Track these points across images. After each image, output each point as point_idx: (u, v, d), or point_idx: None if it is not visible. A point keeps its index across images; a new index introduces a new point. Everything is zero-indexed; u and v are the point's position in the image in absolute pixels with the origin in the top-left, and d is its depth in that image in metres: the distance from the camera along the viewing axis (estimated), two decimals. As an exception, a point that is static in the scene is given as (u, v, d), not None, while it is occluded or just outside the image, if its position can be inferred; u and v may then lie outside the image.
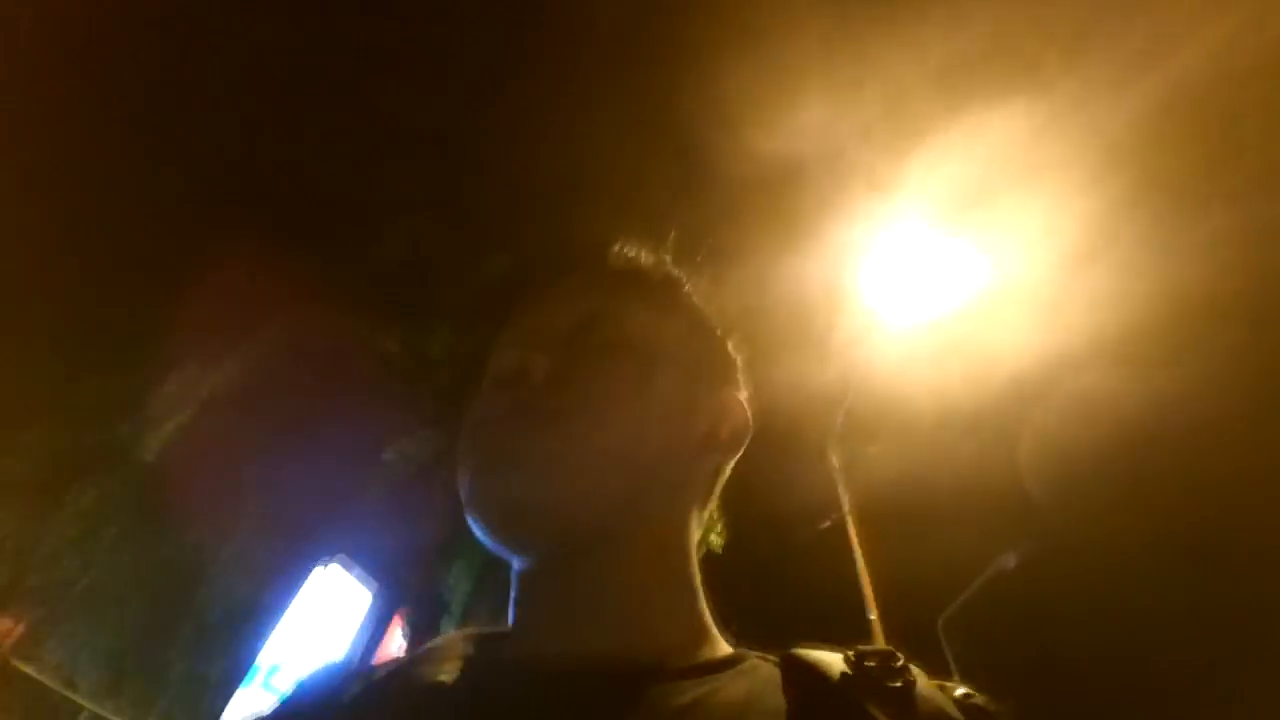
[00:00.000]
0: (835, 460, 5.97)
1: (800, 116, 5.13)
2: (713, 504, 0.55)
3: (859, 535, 5.28)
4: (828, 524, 5.75)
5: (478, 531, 0.45)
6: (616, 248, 0.57)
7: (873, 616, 4.72)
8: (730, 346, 0.58)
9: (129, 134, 5.47)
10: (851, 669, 0.41)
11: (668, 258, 0.58)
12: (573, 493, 0.42)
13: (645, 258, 0.57)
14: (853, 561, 5.02)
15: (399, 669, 0.46)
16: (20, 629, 3.08)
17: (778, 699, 0.40)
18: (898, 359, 5.36)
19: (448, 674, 0.43)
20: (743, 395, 0.57)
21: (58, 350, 4.89)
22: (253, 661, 4.87)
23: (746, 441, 0.55)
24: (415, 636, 6.35)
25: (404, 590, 6.47)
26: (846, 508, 5.66)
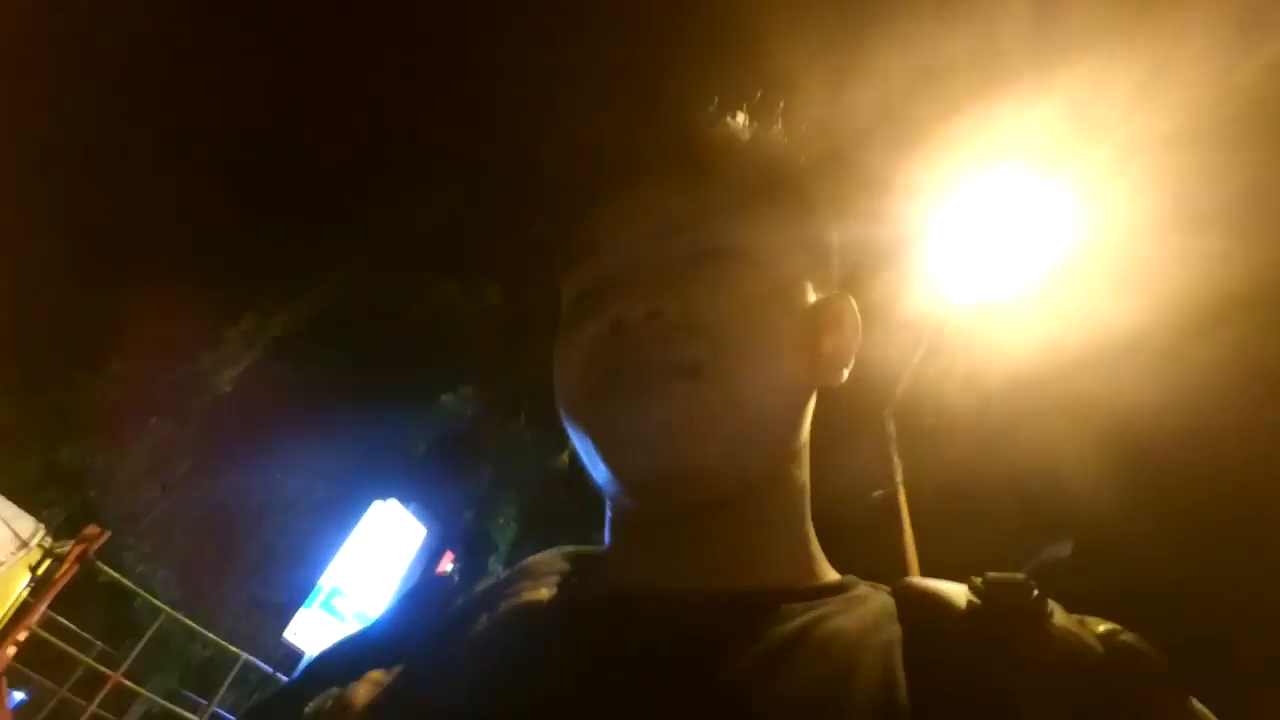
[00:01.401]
0: (892, 430, 5.75)
1: (869, 71, 4.74)
2: None
3: (910, 510, 5.10)
4: (879, 494, 5.59)
5: (615, 492, 0.43)
6: (703, 123, 0.48)
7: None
8: (837, 229, 0.52)
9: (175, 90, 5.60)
10: (980, 599, 0.36)
11: (759, 124, 0.49)
12: (725, 453, 0.40)
13: (738, 131, 0.49)
14: (900, 536, 4.87)
15: (500, 584, 0.45)
16: (105, 535, 3.42)
17: (893, 628, 0.36)
18: (967, 327, 5.03)
19: (547, 590, 0.42)
20: (849, 296, 0.50)
21: (141, 291, 5.20)
22: (314, 585, 5.22)
23: (857, 350, 0.51)
24: (465, 572, 6.66)
25: (455, 529, 6.75)
26: (899, 478, 5.47)
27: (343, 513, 5.91)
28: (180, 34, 5.72)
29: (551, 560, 0.47)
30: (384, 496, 6.23)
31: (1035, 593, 0.36)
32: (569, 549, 0.50)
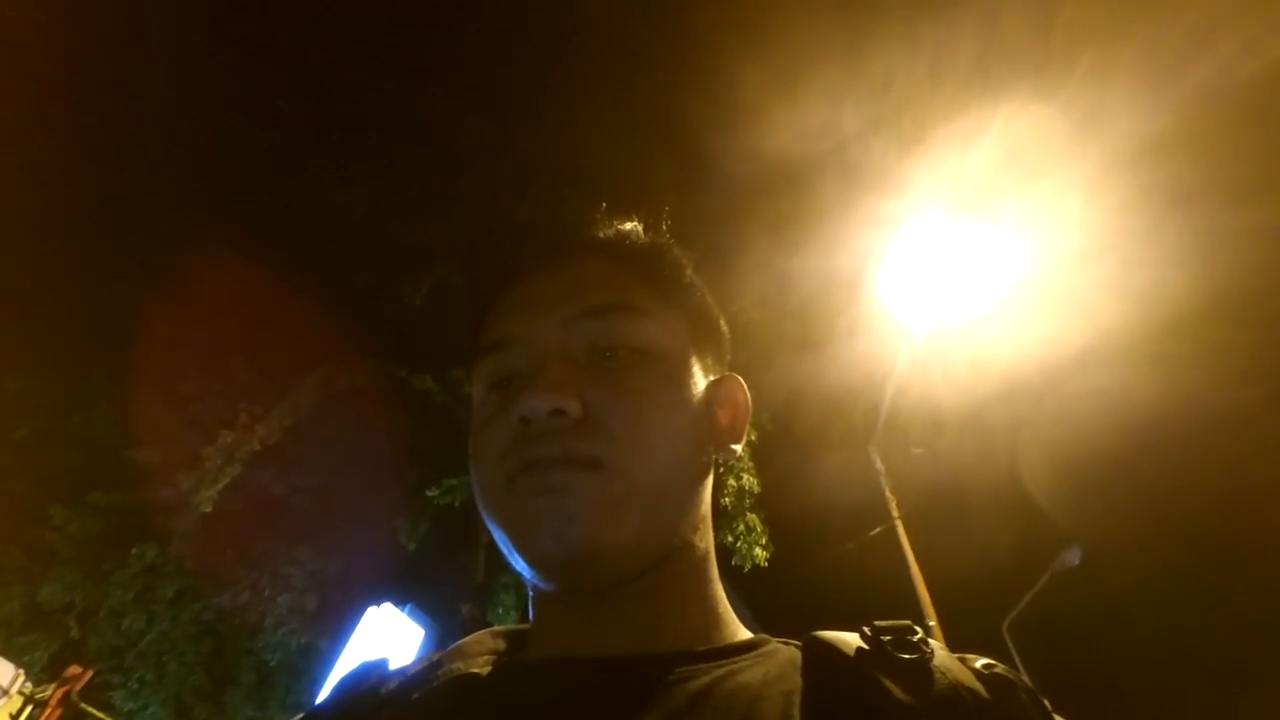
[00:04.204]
0: (880, 464, 5.82)
1: (818, 112, 5.12)
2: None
3: (910, 537, 5.12)
4: (878, 531, 5.60)
5: (533, 577, 0.46)
6: (606, 221, 0.54)
7: (932, 623, 4.56)
8: (723, 322, 0.58)
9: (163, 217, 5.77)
10: (867, 644, 0.41)
11: (661, 230, 0.56)
12: (629, 536, 0.43)
13: (639, 233, 0.55)
14: (905, 567, 4.87)
15: (432, 665, 0.48)
16: (88, 675, 3.22)
17: (795, 679, 0.40)
18: (929, 357, 5.25)
19: (477, 668, 0.46)
20: (738, 377, 0.56)
21: (113, 418, 5.14)
22: (314, 703, 4.94)
23: (748, 424, 0.56)
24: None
25: (454, 626, 6.49)
26: (896, 513, 5.50)
27: (336, 624, 5.67)
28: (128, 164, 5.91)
29: (481, 640, 0.51)
30: (377, 602, 6.00)
31: (917, 635, 0.40)
32: (498, 629, 0.53)
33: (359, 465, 6.27)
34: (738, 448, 0.54)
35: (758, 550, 5.33)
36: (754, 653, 0.44)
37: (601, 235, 0.54)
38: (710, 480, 0.52)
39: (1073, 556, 5.75)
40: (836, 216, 5.23)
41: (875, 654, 0.40)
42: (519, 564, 0.46)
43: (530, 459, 0.44)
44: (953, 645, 0.40)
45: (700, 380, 0.51)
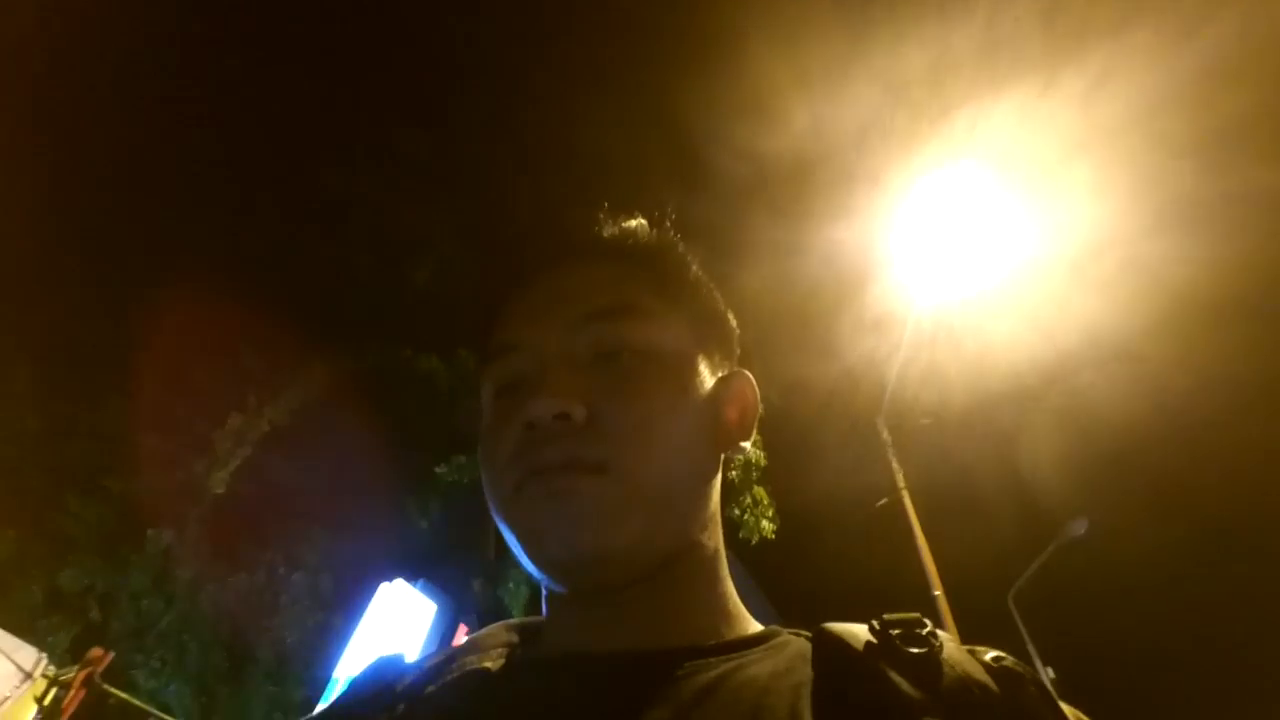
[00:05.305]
0: (887, 436, 5.82)
1: (839, 86, 5.03)
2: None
3: (916, 511, 5.14)
4: (884, 502, 5.63)
5: (544, 580, 0.47)
6: (609, 221, 0.54)
7: (938, 593, 4.60)
8: (731, 317, 0.57)
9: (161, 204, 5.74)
10: (876, 637, 0.41)
11: (665, 225, 0.55)
12: (636, 539, 0.44)
13: (642, 232, 0.54)
14: (912, 539, 4.90)
15: (446, 658, 0.49)
16: (110, 657, 3.29)
17: (805, 672, 0.41)
18: (937, 329, 5.22)
19: (491, 662, 0.47)
20: (746, 373, 0.56)
21: (126, 407, 5.20)
22: (330, 678, 5.07)
23: (757, 420, 0.56)
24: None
25: (466, 601, 6.62)
26: (902, 484, 5.53)
27: (351, 601, 5.79)
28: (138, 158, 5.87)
29: (495, 633, 0.51)
30: (389, 578, 6.11)
31: (926, 629, 0.40)
32: (512, 622, 0.53)
33: (368, 446, 6.34)
34: (747, 444, 0.54)
35: (764, 523, 5.38)
36: (763, 646, 0.44)
37: (605, 236, 0.54)
38: (719, 479, 0.52)
39: (1078, 527, 5.78)
40: (847, 191, 5.17)
41: (884, 647, 0.39)
42: (530, 567, 0.46)
43: (536, 464, 0.44)
44: (958, 615, 0.39)
45: (707, 379, 0.51)
